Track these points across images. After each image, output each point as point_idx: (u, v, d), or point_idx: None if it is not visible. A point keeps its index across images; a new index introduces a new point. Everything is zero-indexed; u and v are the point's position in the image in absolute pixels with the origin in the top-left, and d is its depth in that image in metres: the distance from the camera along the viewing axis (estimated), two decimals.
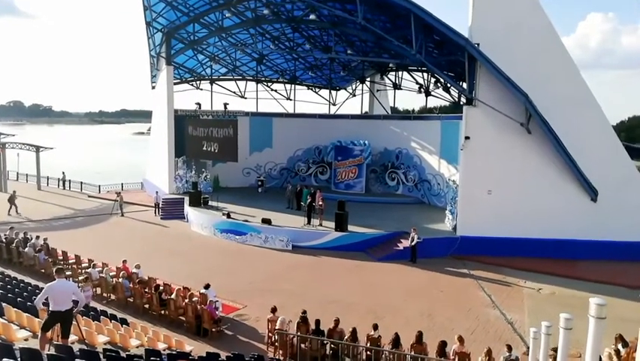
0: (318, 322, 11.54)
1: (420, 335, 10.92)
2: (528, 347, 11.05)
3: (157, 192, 28.88)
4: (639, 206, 19.84)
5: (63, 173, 38.38)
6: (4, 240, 18.83)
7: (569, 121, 19.61)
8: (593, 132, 20.13)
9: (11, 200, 27.89)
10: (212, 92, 35.28)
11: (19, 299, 11.37)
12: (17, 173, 40.15)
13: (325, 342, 11.25)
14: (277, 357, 11.31)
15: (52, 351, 7.79)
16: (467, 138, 20.40)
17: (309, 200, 23.18)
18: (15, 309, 10.58)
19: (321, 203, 22.69)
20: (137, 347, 10.39)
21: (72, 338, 9.10)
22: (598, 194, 19.95)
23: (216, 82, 35.64)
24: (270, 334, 12.08)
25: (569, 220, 19.92)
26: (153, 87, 32.93)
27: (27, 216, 27.17)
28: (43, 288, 9.68)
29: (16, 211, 27.60)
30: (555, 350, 8.20)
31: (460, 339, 10.71)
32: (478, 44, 19.49)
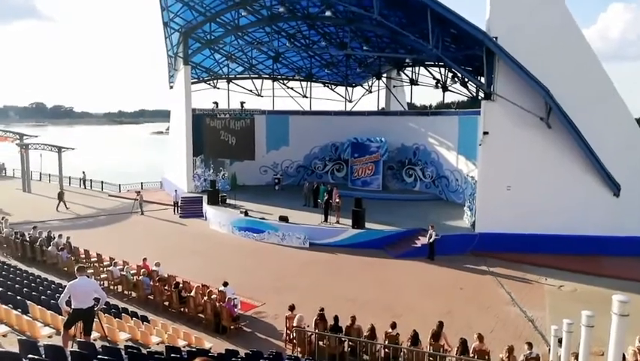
0: (336, 318, 11.56)
1: (440, 325, 10.84)
2: (549, 345, 10.90)
3: (176, 190, 29.20)
4: None
5: (84, 173, 39.09)
6: (28, 239, 19.28)
7: (590, 115, 19.19)
8: (615, 126, 19.67)
9: (60, 196, 29.64)
10: (229, 90, 35.56)
11: (42, 297, 11.63)
12: (40, 173, 41.02)
13: (343, 339, 11.26)
14: (295, 354, 11.35)
15: (75, 348, 7.94)
16: (486, 133, 20.14)
17: (326, 197, 23.18)
18: (39, 307, 10.83)
19: (338, 200, 22.67)
20: (158, 344, 10.53)
21: (94, 335, 9.28)
22: (620, 189, 19.53)
23: (233, 81, 35.87)
24: (288, 331, 12.14)
25: (591, 216, 19.54)
26: (171, 87, 33.27)
27: (76, 212, 28.90)
28: (65, 286, 9.88)
29: (65, 207, 29.34)
30: (576, 356, 8.05)
31: (480, 337, 10.61)
32: (496, 38, 19.21)
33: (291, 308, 12.22)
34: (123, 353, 8.10)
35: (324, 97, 38.15)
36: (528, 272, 18.01)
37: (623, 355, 7.79)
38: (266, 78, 36.77)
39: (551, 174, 19.89)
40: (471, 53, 21.74)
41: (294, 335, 11.72)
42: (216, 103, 32.24)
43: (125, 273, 15.50)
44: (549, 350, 10.96)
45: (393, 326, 11.29)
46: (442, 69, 30.82)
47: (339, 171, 34.07)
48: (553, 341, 10.14)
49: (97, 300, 8.94)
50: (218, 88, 35.66)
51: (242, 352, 10.10)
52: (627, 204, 19.43)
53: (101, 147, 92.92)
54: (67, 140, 55.02)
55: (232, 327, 12.79)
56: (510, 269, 18.33)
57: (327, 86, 38.76)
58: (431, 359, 10.61)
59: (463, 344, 10.39)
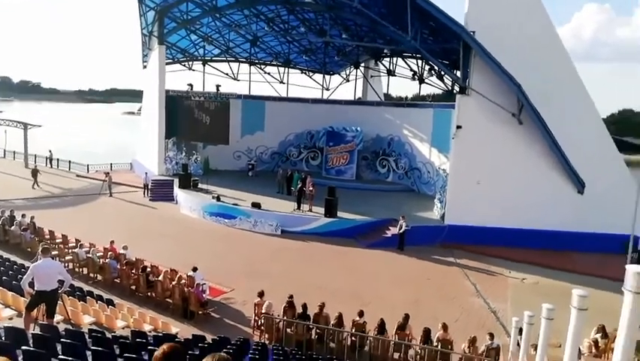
0: (305, 306, 11.62)
1: (406, 317, 11.04)
2: (510, 336, 11.24)
3: (146, 173, 28.67)
4: (625, 199, 20.04)
5: (50, 151, 37.87)
6: None
7: (561, 113, 19.71)
8: (584, 125, 20.25)
9: (34, 174, 29.23)
10: (204, 73, 34.88)
11: (4, 278, 11.31)
12: (4, 150, 39.63)
13: (311, 327, 11.35)
14: (263, 341, 11.39)
15: (38, 331, 7.76)
16: (459, 127, 20.44)
17: (299, 185, 23.16)
18: (0, 288, 10.51)
19: (311, 188, 22.69)
20: (123, 328, 10.40)
21: (57, 317, 9.07)
22: (585, 186, 20.16)
23: (209, 63, 35.19)
24: (256, 318, 12.15)
25: (557, 211, 20.14)
26: (144, 67, 32.42)
27: (49, 191, 28.40)
28: (28, 267, 9.61)
29: (38, 185, 28.88)
30: (535, 347, 8.31)
31: (444, 326, 10.86)
32: (473, 32, 19.41)
33: (260, 295, 12.23)
34: (87, 336, 7.96)
35: (302, 84, 37.90)
36: (493, 265, 18.49)
37: (579, 348, 8.09)
38: (243, 62, 36.22)
39: (520, 170, 20.38)
40: (448, 47, 21.95)
41: (262, 321, 11.74)
42: (191, 85, 31.60)
43: (91, 255, 15.18)
44: (510, 341, 11.31)
45: (361, 314, 11.44)
46: (420, 61, 30.99)
47: (313, 159, 34.03)
48: (514, 332, 10.46)
49: (61, 282, 8.74)
50: (194, 70, 34.96)
51: (209, 338, 10.08)
52: (591, 201, 20.08)
53: (70, 125, 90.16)
54: (34, 116, 53.21)
55: (200, 312, 12.73)
56: (476, 261, 18.79)
57: (305, 73, 38.50)
58: (396, 348, 10.81)
59: (426, 333, 10.63)
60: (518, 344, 9.96)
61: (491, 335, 10.62)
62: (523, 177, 20.37)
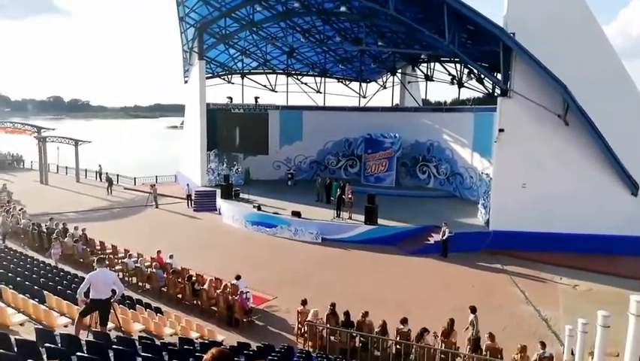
0: (347, 314, 11.57)
1: (451, 322, 10.80)
2: (563, 345, 10.79)
3: (188, 184, 29.44)
4: None
5: (100, 166, 39.58)
6: (45, 230, 19.60)
7: (609, 113, 18.86)
8: (635, 124, 19.33)
9: (110, 182, 33.74)
10: (243, 85, 35.68)
11: (59, 287, 11.84)
12: (57, 166, 41.64)
13: (355, 335, 11.27)
14: (307, 349, 11.40)
15: (91, 338, 8.06)
16: (501, 130, 19.92)
17: (338, 193, 23.16)
18: (55, 297, 11.01)
19: (350, 196, 22.65)
20: (171, 336, 10.67)
21: (110, 325, 9.41)
22: (639, 188, 19.18)
23: (247, 76, 35.96)
24: (299, 325, 12.18)
25: (608, 215, 19.22)
26: (186, 82, 33.47)
27: (122, 197, 32.15)
28: (81, 277, 10.02)
29: (111, 192, 32.96)
30: (592, 355, 7.96)
31: (491, 336, 10.54)
32: (513, 34, 18.95)
33: (304, 303, 12.27)
34: (137, 343, 8.21)
35: (339, 92, 38.11)
36: (542, 271, 17.81)
37: None
38: (280, 73, 36.79)
39: (568, 172, 19.61)
40: (487, 49, 21.48)
41: (306, 329, 11.76)
42: (230, 98, 32.40)
43: (139, 265, 15.68)
44: (563, 349, 10.85)
45: (404, 321, 11.27)
46: (458, 65, 30.53)
47: (352, 166, 33.99)
48: (568, 340, 10.02)
49: (113, 291, 9.06)
50: (233, 83, 35.81)
51: (254, 345, 10.18)
52: None
53: (117, 140, 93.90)
54: (84, 133, 55.70)
55: (244, 320, 12.89)
56: (524, 267, 18.16)
57: (341, 82, 38.65)
58: (443, 356, 10.57)
59: (475, 341, 10.33)
60: (572, 353, 9.54)
61: (543, 344, 10.21)
62: (571, 180, 19.59)
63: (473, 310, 11.55)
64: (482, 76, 27.86)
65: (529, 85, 19.37)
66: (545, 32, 19.15)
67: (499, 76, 20.63)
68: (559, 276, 17.25)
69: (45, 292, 11.25)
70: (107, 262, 15.80)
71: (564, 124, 19.22)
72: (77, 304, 10.25)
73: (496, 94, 21.66)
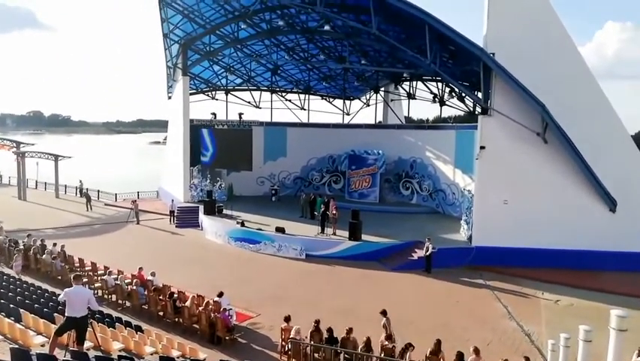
0: (331, 330, 11.48)
1: (438, 343, 10.78)
2: (546, 359, 10.85)
3: (172, 200, 29.13)
4: None
5: (80, 181, 38.91)
6: (22, 247, 19.13)
7: (586, 130, 19.34)
8: (611, 141, 19.84)
9: (88, 198, 33.07)
10: (227, 102, 35.68)
11: (36, 305, 11.52)
12: (36, 181, 40.87)
13: (339, 351, 11.17)
14: None
15: (68, 357, 7.85)
16: (482, 147, 20.24)
17: (322, 209, 23.15)
18: (32, 315, 10.72)
19: (334, 212, 22.67)
20: (152, 354, 10.44)
21: (87, 344, 9.18)
22: (617, 204, 19.60)
23: (231, 92, 36.01)
24: (283, 343, 12.04)
25: (587, 230, 19.55)
26: (169, 97, 33.35)
27: (103, 213, 31.51)
28: (59, 295, 9.78)
29: (91, 208, 32.38)
30: None
31: (476, 350, 10.54)
32: (493, 54, 19.39)
33: (287, 319, 12.13)
34: None
35: (322, 109, 38.42)
36: (525, 286, 17.97)
37: None
38: (264, 90, 36.94)
39: (548, 189, 19.96)
40: (468, 69, 21.91)
41: (290, 346, 11.62)
42: (214, 114, 32.37)
43: (119, 282, 15.37)
44: None
45: (389, 337, 11.22)
46: (440, 84, 31.04)
47: (336, 183, 34.11)
48: (550, 355, 10.09)
49: (90, 310, 8.87)
50: (217, 99, 35.78)
51: None
52: (623, 220, 19.48)
53: (98, 155, 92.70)
54: (64, 148, 54.91)
55: (227, 338, 12.68)
56: (506, 283, 18.30)
57: (325, 99, 38.97)
58: None
59: (460, 357, 10.32)
60: None
61: (527, 359, 10.25)
62: (551, 197, 19.94)
63: (384, 313, 12.28)
64: (463, 94, 28.34)
65: (509, 103, 19.79)
66: (524, 52, 19.66)
67: (479, 94, 21.05)
68: (541, 291, 17.42)
69: (21, 310, 10.94)
70: (86, 280, 15.57)
71: (543, 142, 19.63)
72: (54, 323, 10.01)
73: (477, 112, 22.05)
